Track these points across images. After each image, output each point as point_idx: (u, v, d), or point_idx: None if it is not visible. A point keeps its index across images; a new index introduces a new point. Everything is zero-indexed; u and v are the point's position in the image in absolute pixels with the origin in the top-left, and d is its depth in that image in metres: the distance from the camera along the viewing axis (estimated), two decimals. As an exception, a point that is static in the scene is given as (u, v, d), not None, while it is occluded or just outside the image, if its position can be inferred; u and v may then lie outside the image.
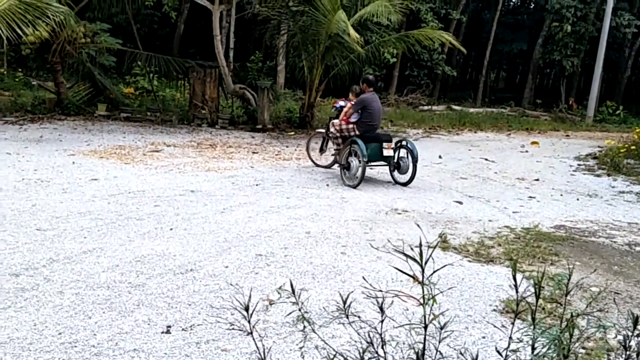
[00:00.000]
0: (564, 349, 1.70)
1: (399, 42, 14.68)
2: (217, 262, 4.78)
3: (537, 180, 10.13)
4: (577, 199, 8.60)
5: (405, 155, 8.89)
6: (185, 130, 13.73)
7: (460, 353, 1.99)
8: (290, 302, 1.92)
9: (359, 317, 1.98)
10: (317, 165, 10.06)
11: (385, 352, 1.88)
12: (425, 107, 24.31)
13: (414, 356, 1.81)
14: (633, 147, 12.80)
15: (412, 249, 1.93)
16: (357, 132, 8.84)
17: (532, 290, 1.80)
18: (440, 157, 12.12)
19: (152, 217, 6.05)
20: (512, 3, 40.81)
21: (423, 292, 1.77)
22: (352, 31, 11.51)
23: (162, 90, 18.51)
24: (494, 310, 4.08)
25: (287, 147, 12.32)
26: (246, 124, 15.08)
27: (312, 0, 12.97)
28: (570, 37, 26.08)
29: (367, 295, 3.59)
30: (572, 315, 1.79)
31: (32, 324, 3.45)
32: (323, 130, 10.22)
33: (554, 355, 1.70)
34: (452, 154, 12.88)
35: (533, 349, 1.74)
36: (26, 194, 6.77)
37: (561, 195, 8.89)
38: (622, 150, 12.53)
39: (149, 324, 3.54)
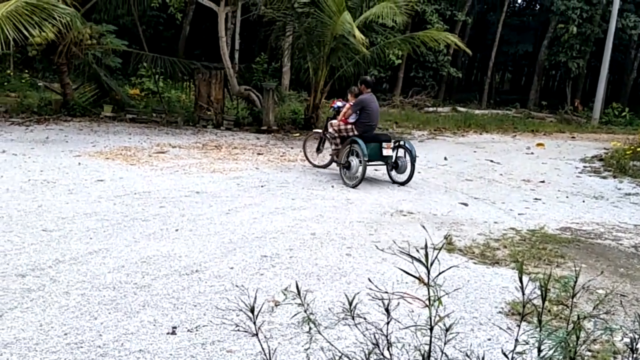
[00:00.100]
0: (571, 351, 1.70)
1: (404, 44, 14.68)
2: (222, 263, 4.78)
3: (543, 182, 10.11)
4: (583, 201, 8.57)
5: (403, 155, 9.01)
6: (191, 132, 13.76)
7: (466, 355, 1.98)
8: (296, 303, 1.92)
9: (364, 318, 1.98)
10: (314, 165, 10.12)
11: (391, 354, 1.88)
12: (431, 109, 24.29)
13: (420, 358, 1.81)
14: (639, 149, 12.74)
15: (417, 250, 1.93)
16: (356, 132, 8.97)
17: (538, 292, 1.80)
18: (445, 158, 12.10)
19: (158, 218, 6.06)
20: (517, 5, 40.76)
21: (429, 293, 1.76)
22: (357, 33, 11.51)
23: (168, 92, 18.56)
24: (500, 312, 4.07)
25: (292, 148, 12.32)
26: (251, 126, 15.10)
27: (317, 1, 12.98)
28: (575, 39, 26.01)
29: (373, 297, 3.59)
30: (578, 318, 1.79)
31: (38, 325, 3.47)
32: (320, 131, 10.29)
33: (561, 357, 1.70)
34: (458, 155, 12.86)
35: (539, 351, 1.73)
36: (32, 194, 6.80)
37: (567, 197, 8.86)
38: (628, 152, 12.48)
39: (154, 325, 3.55)
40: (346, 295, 2.05)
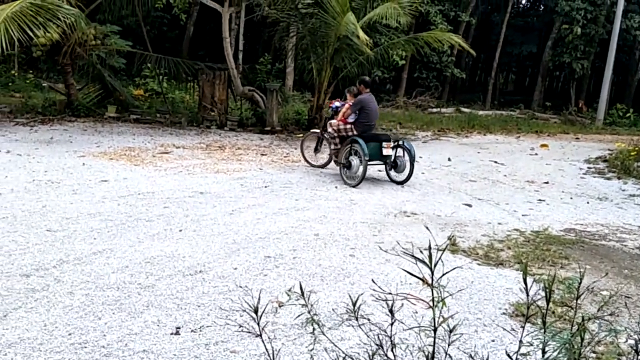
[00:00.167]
0: (575, 353, 1.69)
1: (408, 45, 14.66)
2: (226, 263, 4.79)
3: (547, 183, 10.09)
4: (587, 202, 8.54)
5: (402, 155, 9.10)
6: (195, 132, 13.78)
7: (470, 356, 1.98)
8: (300, 304, 1.92)
9: (368, 319, 1.98)
10: (312, 165, 10.18)
11: (394, 355, 1.88)
12: (434, 110, 24.28)
13: (424, 359, 1.81)
14: (644, 150, 12.71)
15: (421, 251, 1.93)
16: (355, 132, 9.08)
17: (542, 293, 1.79)
18: (449, 159, 12.09)
19: (162, 219, 6.07)
20: (521, 5, 40.63)
21: (432, 294, 1.76)
22: (361, 33, 11.51)
23: (172, 92, 18.60)
24: (504, 313, 4.06)
25: (295, 149, 12.31)
26: (255, 126, 15.11)
27: (321, 2, 12.98)
28: (580, 40, 25.95)
29: (377, 298, 3.59)
30: (583, 319, 1.78)
31: (43, 325, 3.48)
32: (318, 131, 10.37)
33: (565, 359, 1.69)
34: (461, 156, 12.85)
35: (544, 352, 1.73)
36: (37, 195, 6.82)
37: (571, 198, 8.84)
38: (632, 153, 12.44)
39: (158, 325, 3.56)
40: (350, 296, 2.05)
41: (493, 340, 3.60)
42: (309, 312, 1.90)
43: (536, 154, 14.01)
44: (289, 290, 3.97)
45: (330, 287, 4.38)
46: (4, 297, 3.82)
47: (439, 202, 7.87)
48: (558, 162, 12.88)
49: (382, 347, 1.86)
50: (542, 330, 1.75)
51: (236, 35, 19.41)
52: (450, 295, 1.85)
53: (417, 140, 15.36)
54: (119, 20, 17.66)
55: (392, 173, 9.23)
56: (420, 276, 1.86)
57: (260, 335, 1.91)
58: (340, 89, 15.36)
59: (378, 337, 1.89)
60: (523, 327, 1.86)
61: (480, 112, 24.08)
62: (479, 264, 5.17)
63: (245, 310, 1.99)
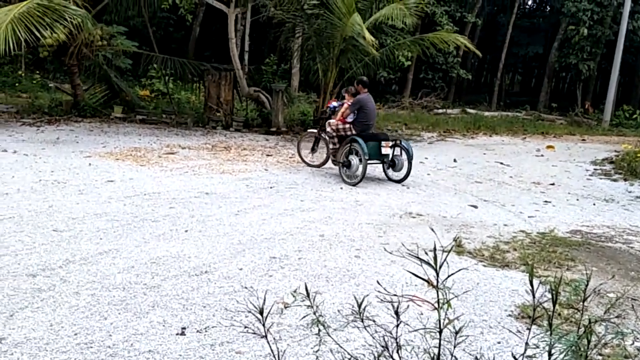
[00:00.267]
0: (582, 355, 1.69)
1: (414, 45, 14.66)
2: (231, 264, 4.79)
3: (553, 184, 10.05)
4: (594, 204, 8.51)
5: (400, 154, 9.22)
6: (200, 133, 13.80)
7: (476, 358, 1.98)
8: (305, 305, 1.92)
9: (373, 320, 1.98)
10: (309, 165, 10.21)
11: (400, 357, 1.88)
12: (440, 111, 24.24)
13: (429, 361, 1.80)
14: (650, 152, 12.65)
15: (426, 253, 1.92)
16: (354, 132, 9.17)
17: (548, 295, 1.79)
18: (455, 160, 12.07)
19: (167, 219, 6.08)
20: (527, 6, 40.55)
21: (438, 296, 1.76)
22: (367, 34, 11.51)
23: (178, 93, 18.64)
24: (510, 315, 4.05)
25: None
26: (260, 127, 15.12)
27: (327, 3, 12.99)
28: (586, 41, 25.86)
29: (382, 299, 3.58)
30: (589, 322, 1.77)
31: (49, 324, 3.49)
32: (315, 131, 10.40)
33: (571, 361, 1.69)
34: (467, 157, 12.82)
35: (550, 355, 1.72)
36: (43, 195, 6.84)
37: (577, 199, 8.81)
38: (639, 155, 12.38)
39: (164, 326, 3.56)
40: (355, 298, 2.05)
41: (499, 342, 3.59)
42: (314, 313, 1.90)
43: (542, 156, 13.97)
44: (295, 291, 3.98)
45: (335, 288, 4.37)
46: (10, 297, 3.84)
47: (444, 204, 7.86)
48: (564, 163, 12.84)
49: (388, 349, 1.86)
50: (549, 333, 1.74)
51: (242, 36, 19.41)
52: (456, 296, 1.84)
53: (423, 141, 15.35)
54: (125, 21, 17.70)
55: (390, 172, 9.35)
56: (426, 278, 1.85)
57: (266, 336, 1.91)
58: (346, 90, 15.36)
59: (383, 339, 1.88)
60: (529, 329, 1.85)
61: (486, 113, 24.03)
62: (484, 266, 5.16)
63: (250, 311, 2.00)
